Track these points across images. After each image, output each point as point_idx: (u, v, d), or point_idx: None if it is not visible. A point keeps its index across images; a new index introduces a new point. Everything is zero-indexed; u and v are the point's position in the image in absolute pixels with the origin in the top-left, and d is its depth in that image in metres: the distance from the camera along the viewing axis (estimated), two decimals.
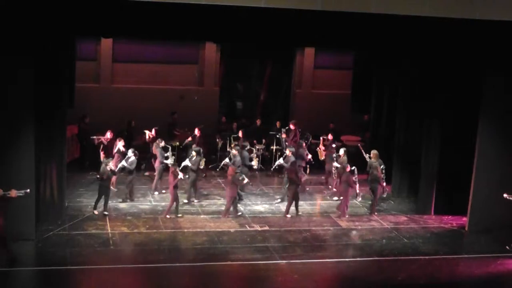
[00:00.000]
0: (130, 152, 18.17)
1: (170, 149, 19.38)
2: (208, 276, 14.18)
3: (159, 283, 13.70)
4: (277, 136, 21.87)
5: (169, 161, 18.59)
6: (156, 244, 15.52)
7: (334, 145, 20.84)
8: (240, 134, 21.55)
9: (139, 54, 23.76)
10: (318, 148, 21.67)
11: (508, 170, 16.95)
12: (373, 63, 21.52)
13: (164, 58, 24.23)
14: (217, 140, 21.86)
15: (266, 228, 16.95)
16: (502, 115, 16.85)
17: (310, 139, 22.48)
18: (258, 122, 23.94)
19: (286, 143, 21.17)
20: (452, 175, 17.79)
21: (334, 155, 19.90)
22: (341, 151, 19.38)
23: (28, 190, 14.40)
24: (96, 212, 17.15)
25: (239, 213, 17.67)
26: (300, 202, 18.59)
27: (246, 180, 18.10)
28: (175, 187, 17.22)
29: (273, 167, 20.27)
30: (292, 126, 21.56)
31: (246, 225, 17.06)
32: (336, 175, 19.65)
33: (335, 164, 19.42)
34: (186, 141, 20.57)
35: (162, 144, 19.15)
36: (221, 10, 13.87)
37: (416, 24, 15.16)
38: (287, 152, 18.97)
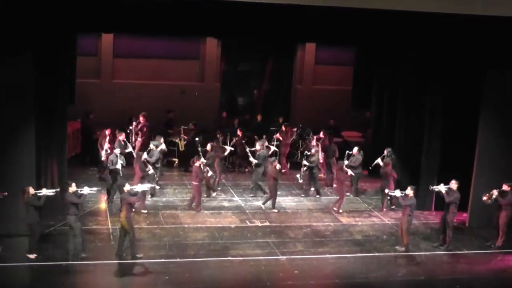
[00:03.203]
0: (151, 146, 18.30)
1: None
2: (209, 271, 14.19)
3: (159, 278, 13.71)
4: (128, 130, 21.21)
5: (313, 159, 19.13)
6: (157, 240, 15.55)
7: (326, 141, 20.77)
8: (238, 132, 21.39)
9: (140, 49, 23.73)
10: (178, 139, 21.54)
11: (509, 167, 16.93)
12: (374, 59, 21.46)
13: (165, 53, 24.19)
14: (218, 135, 21.83)
15: (267, 223, 16.97)
16: (502, 112, 16.86)
17: (311, 135, 22.46)
18: (259, 117, 23.89)
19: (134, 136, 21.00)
20: (453, 171, 17.71)
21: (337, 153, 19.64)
22: (355, 149, 19.11)
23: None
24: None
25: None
26: (300, 198, 18.60)
27: (210, 173, 18.11)
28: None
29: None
30: (141, 118, 20.96)
31: (247, 221, 17.08)
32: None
33: (346, 162, 18.88)
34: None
35: (161, 141, 19.16)
36: (222, 5, 13.86)
37: (418, 20, 15.16)
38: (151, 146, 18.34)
